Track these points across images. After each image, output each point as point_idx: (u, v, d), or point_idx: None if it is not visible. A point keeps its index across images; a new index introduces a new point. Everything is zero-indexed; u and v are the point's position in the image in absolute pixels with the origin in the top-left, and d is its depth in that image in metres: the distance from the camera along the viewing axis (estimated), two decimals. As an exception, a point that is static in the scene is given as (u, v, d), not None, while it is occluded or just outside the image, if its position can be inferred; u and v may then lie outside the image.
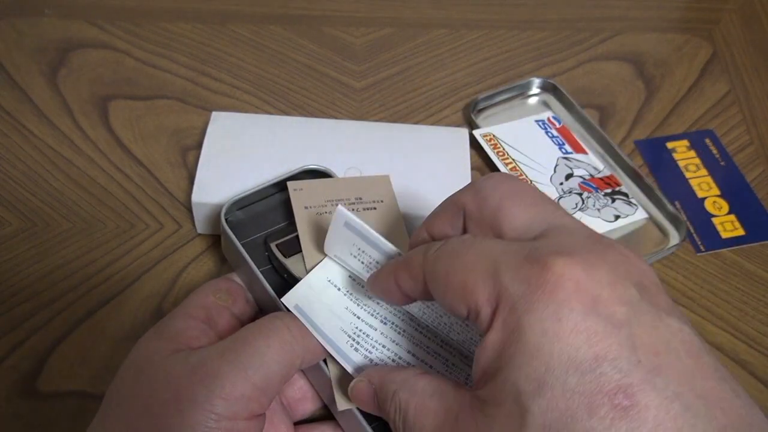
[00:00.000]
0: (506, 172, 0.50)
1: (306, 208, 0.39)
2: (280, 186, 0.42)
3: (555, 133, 0.53)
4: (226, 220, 0.40)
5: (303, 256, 0.37)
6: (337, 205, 0.33)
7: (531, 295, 0.23)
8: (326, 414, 0.36)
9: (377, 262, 0.33)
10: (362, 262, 0.33)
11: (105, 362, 0.41)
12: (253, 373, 0.29)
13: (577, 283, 0.23)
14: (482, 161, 0.52)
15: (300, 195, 0.40)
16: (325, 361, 0.34)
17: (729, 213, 0.50)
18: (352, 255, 0.33)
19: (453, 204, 0.30)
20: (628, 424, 0.21)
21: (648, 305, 0.23)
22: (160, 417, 0.28)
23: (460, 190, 0.30)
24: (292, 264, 0.38)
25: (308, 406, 0.35)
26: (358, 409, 0.33)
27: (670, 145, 0.54)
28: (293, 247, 0.38)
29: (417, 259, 0.28)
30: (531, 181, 0.50)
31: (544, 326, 0.23)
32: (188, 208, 0.48)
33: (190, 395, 0.28)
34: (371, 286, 0.31)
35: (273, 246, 0.39)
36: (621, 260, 0.24)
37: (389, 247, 0.32)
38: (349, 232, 0.33)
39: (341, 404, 0.33)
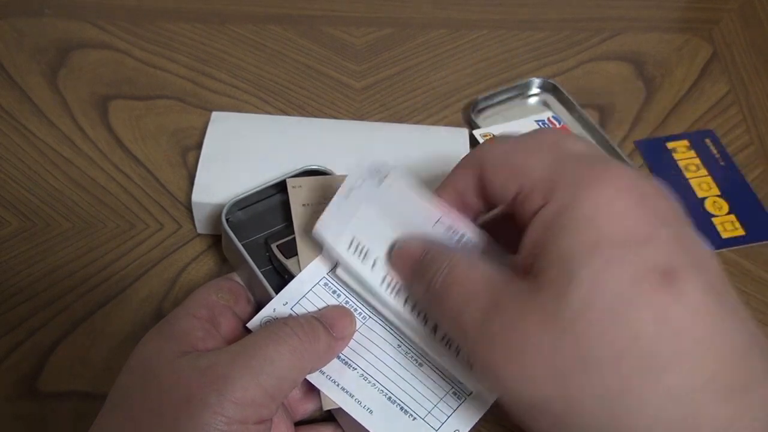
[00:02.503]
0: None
1: (304, 205, 0.39)
2: (281, 186, 0.42)
3: (555, 133, 0.53)
4: (226, 220, 0.40)
5: (298, 254, 0.37)
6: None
7: (589, 178, 0.25)
8: (326, 414, 0.36)
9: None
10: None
11: (105, 362, 0.41)
12: (265, 379, 0.29)
13: (631, 180, 0.25)
14: (482, 161, 0.52)
15: (298, 192, 0.40)
16: None
17: (729, 213, 0.50)
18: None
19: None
20: (666, 298, 0.23)
21: (687, 223, 0.26)
22: (170, 418, 0.28)
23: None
24: (293, 265, 0.38)
25: (308, 406, 0.35)
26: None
27: (670, 145, 0.54)
28: (294, 248, 0.38)
29: (474, 151, 0.30)
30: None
31: (599, 203, 0.25)
32: (188, 208, 0.48)
33: (202, 397, 0.28)
34: (439, 197, 0.32)
35: (274, 247, 0.39)
36: (663, 187, 0.27)
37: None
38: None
39: (327, 404, 0.33)
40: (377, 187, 0.33)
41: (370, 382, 0.34)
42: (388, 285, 0.33)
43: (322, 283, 0.35)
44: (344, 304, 0.35)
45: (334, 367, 0.34)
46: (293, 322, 0.32)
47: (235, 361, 0.30)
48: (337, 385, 0.33)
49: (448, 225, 0.31)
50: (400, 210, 0.32)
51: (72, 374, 0.41)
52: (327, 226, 0.34)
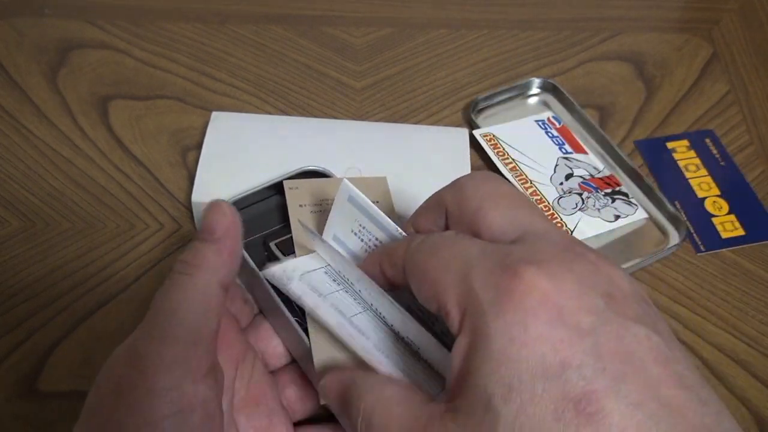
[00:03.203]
0: (505, 171, 0.50)
1: (301, 206, 0.39)
2: (278, 187, 0.42)
3: (555, 133, 0.53)
4: None
5: (295, 254, 0.37)
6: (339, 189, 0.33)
7: (499, 301, 0.24)
8: (326, 414, 0.36)
9: (377, 239, 0.33)
10: (362, 240, 0.33)
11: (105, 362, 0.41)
12: (172, 330, 0.27)
13: (544, 293, 0.23)
14: (482, 161, 0.52)
15: (295, 193, 0.40)
16: None
17: (729, 213, 0.50)
18: (353, 232, 0.34)
19: (436, 202, 0.31)
20: (593, 429, 0.21)
21: (614, 314, 0.24)
22: (109, 413, 0.27)
23: (445, 187, 0.30)
24: None
25: (308, 406, 0.35)
26: None
27: (670, 145, 0.54)
28: (293, 246, 0.38)
29: (400, 249, 0.29)
30: (531, 181, 0.50)
31: (512, 333, 0.23)
32: (188, 208, 0.48)
33: (126, 382, 0.27)
34: (362, 269, 0.31)
35: (272, 245, 0.39)
36: (590, 270, 0.25)
37: (390, 223, 0.32)
38: (352, 207, 0.33)
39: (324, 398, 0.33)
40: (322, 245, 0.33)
41: None
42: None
43: (322, 271, 0.35)
44: (342, 291, 0.35)
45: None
46: (177, 264, 0.30)
47: (142, 328, 0.28)
48: None
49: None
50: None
51: (72, 374, 0.41)
52: (332, 226, 0.35)
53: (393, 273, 0.30)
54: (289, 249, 0.38)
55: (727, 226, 0.50)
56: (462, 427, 0.24)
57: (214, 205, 0.31)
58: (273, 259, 0.39)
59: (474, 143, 0.52)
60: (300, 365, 0.36)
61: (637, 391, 0.22)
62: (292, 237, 0.39)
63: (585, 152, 0.52)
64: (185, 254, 0.30)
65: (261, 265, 0.38)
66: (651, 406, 0.22)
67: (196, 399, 0.27)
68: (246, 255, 0.38)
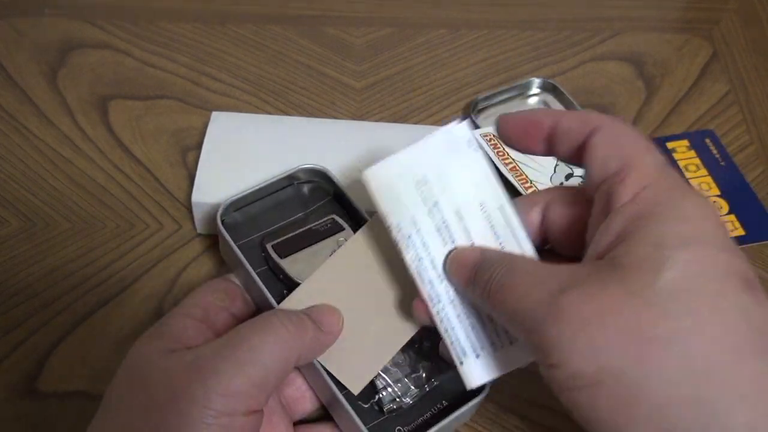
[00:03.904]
0: (506, 171, 0.50)
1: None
2: (277, 186, 0.42)
3: (555, 133, 0.53)
4: (222, 221, 0.40)
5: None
6: None
7: (686, 189, 0.27)
8: (325, 414, 0.36)
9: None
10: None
11: (105, 362, 0.41)
12: (250, 369, 0.29)
13: (714, 208, 0.28)
14: (482, 161, 0.52)
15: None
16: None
17: (729, 213, 0.50)
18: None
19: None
20: (751, 299, 0.25)
21: None
22: (157, 416, 0.28)
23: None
24: (287, 265, 0.38)
25: (307, 405, 0.35)
26: (353, 407, 0.33)
27: (670, 145, 0.54)
28: (289, 248, 0.38)
29: (579, 114, 0.31)
30: (531, 181, 0.50)
31: (695, 209, 0.26)
32: (188, 208, 0.48)
33: (187, 393, 0.28)
34: (504, 122, 0.33)
35: (269, 247, 0.39)
36: None
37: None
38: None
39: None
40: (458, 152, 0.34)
41: None
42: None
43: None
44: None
45: None
46: (281, 314, 0.32)
47: (220, 353, 0.30)
48: None
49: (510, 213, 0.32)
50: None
51: (72, 374, 0.41)
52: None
53: (568, 125, 0.30)
54: (285, 251, 0.38)
55: (727, 226, 0.50)
56: (623, 265, 0.25)
57: (337, 312, 0.35)
58: (269, 259, 0.39)
59: (474, 143, 0.52)
60: (298, 364, 0.36)
61: None
62: (288, 239, 0.39)
63: (585, 152, 0.52)
64: (290, 312, 0.33)
65: (257, 266, 0.38)
66: None
67: (241, 431, 0.29)
68: (241, 255, 0.38)
